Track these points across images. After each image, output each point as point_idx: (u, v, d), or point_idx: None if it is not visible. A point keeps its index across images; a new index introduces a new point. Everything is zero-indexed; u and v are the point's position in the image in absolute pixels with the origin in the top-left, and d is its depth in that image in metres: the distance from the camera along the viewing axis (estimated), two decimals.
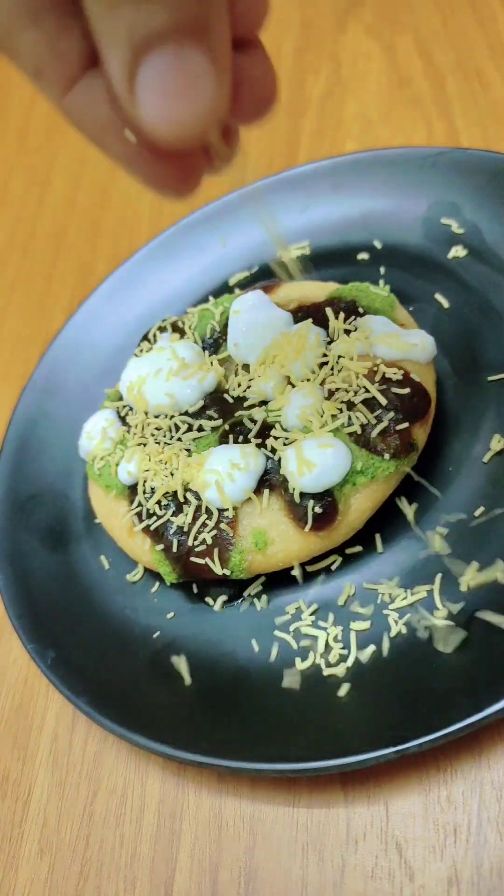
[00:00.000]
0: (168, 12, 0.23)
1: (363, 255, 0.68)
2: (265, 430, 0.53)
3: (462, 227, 0.64)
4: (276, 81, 0.33)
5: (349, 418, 0.51)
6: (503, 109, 0.77)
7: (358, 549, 0.53)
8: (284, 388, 0.55)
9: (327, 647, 0.50)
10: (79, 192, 0.97)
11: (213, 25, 0.25)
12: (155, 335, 0.65)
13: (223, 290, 0.73)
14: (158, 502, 0.55)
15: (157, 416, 0.58)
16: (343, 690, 0.47)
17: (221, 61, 0.26)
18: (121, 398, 0.63)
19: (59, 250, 0.92)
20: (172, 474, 0.54)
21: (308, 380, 0.54)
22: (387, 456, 0.51)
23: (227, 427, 0.55)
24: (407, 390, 0.52)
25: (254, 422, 0.54)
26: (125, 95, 0.25)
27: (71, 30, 0.26)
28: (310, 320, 0.57)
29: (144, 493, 0.56)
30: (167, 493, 0.54)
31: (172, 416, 0.58)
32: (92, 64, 0.27)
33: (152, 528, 0.54)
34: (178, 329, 0.64)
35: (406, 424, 0.52)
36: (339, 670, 0.48)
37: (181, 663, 0.53)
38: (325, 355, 0.55)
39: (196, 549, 0.53)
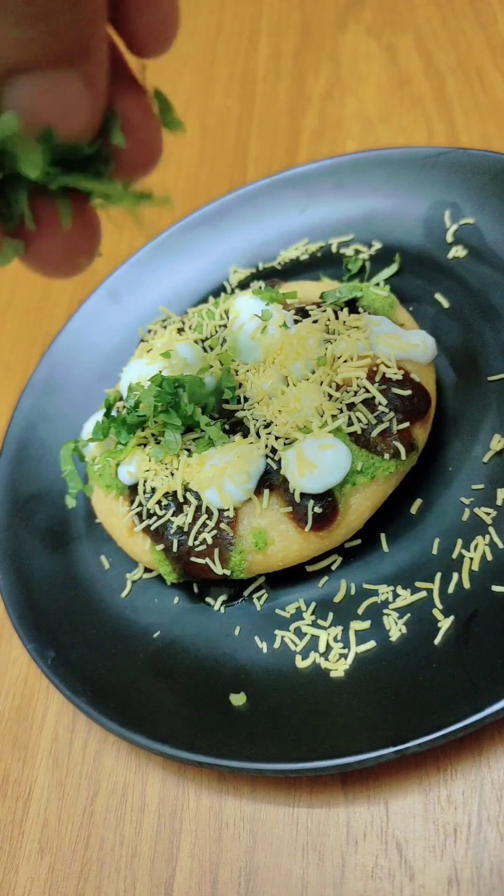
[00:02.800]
0: (43, 38, 0.22)
1: (364, 255, 0.68)
2: (265, 430, 0.53)
3: (462, 228, 0.64)
4: (160, 132, 0.30)
5: (349, 418, 0.51)
6: (503, 109, 0.77)
7: (358, 548, 0.54)
8: (284, 388, 0.55)
9: (327, 646, 0.50)
10: None
11: (91, 50, 0.24)
12: (155, 335, 0.65)
13: (223, 290, 0.73)
14: (158, 502, 0.55)
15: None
16: (343, 690, 0.47)
17: (97, 86, 0.25)
18: (121, 398, 0.63)
19: None
20: (172, 474, 0.54)
21: (307, 379, 0.54)
22: (387, 456, 0.51)
23: (227, 427, 0.55)
24: (407, 391, 0.52)
25: (254, 422, 0.54)
26: None
27: None
28: (310, 320, 0.57)
29: (145, 493, 0.56)
30: (167, 493, 0.54)
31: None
32: None
33: (152, 528, 0.55)
34: (178, 329, 0.64)
35: (406, 424, 0.52)
36: (339, 670, 0.48)
37: (181, 663, 0.53)
38: (324, 355, 0.55)
39: (196, 549, 0.53)
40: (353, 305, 0.59)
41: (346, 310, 0.58)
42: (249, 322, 0.58)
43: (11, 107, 0.23)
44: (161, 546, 0.54)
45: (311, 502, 0.50)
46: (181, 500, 0.54)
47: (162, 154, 0.31)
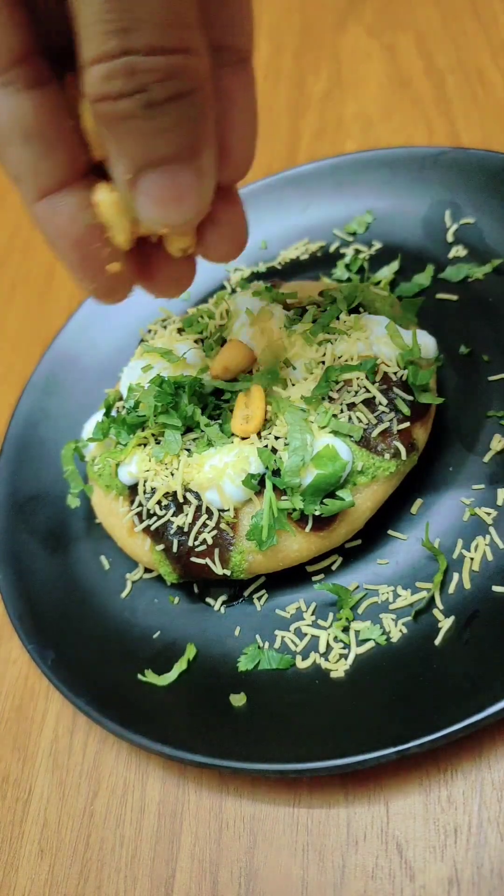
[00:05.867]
0: (166, 144, 0.29)
1: (364, 255, 0.68)
2: (265, 431, 0.53)
3: (462, 227, 0.64)
4: (246, 228, 0.39)
5: (349, 418, 0.51)
6: (503, 109, 0.77)
7: (358, 548, 0.53)
8: (285, 388, 0.55)
9: (328, 646, 0.50)
10: None
11: (202, 152, 0.30)
12: (155, 335, 0.65)
13: (223, 290, 0.73)
14: (158, 502, 0.55)
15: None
16: (343, 690, 0.47)
17: (206, 179, 0.31)
18: (121, 398, 0.63)
19: None
20: (172, 474, 0.54)
21: (306, 379, 0.54)
22: (387, 456, 0.51)
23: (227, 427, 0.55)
24: (408, 392, 0.52)
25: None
26: (126, 195, 0.31)
27: (55, 153, 0.31)
28: (309, 319, 0.57)
29: (144, 493, 0.56)
30: (167, 493, 0.54)
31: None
32: (65, 184, 0.32)
33: (152, 528, 0.54)
34: (178, 329, 0.64)
35: (407, 424, 0.52)
36: (340, 670, 0.48)
37: (181, 663, 0.53)
38: (324, 355, 0.54)
39: (196, 550, 0.53)
40: (353, 305, 0.58)
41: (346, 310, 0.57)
42: (249, 322, 0.58)
43: (141, 196, 0.31)
44: (161, 546, 0.54)
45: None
46: (181, 500, 0.54)
47: (243, 249, 0.40)
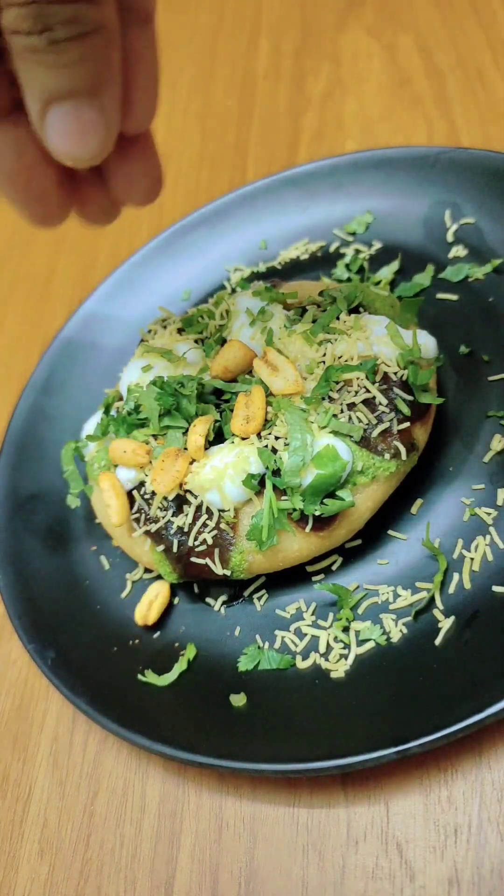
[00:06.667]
0: (72, 78, 0.32)
1: (364, 255, 0.68)
2: (265, 431, 0.53)
3: (462, 227, 0.64)
4: (161, 172, 0.42)
5: (350, 418, 0.51)
6: (503, 109, 0.77)
7: (359, 549, 0.53)
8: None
9: (328, 647, 0.50)
10: None
11: (105, 89, 0.33)
12: (155, 335, 0.65)
13: (223, 290, 0.73)
14: (158, 502, 0.55)
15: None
16: (343, 690, 0.47)
17: (109, 115, 0.34)
18: (121, 398, 0.63)
19: (59, 250, 0.92)
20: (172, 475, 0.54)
21: (306, 379, 0.54)
22: (387, 456, 0.51)
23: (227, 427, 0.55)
24: (408, 392, 0.52)
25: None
26: (38, 128, 0.34)
27: None
28: (309, 319, 0.57)
29: (144, 494, 0.56)
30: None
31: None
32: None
33: (153, 528, 0.54)
34: (178, 329, 0.64)
35: (407, 424, 0.52)
36: (340, 670, 0.48)
37: (182, 663, 0.53)
38: (324, 355, 0.54)
39: (196, 550, 0.53)
40: (353, 305, 0.58)
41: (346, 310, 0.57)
42: (248, 322, 0.58)
43: (49, 128, 0.33)
44: (161, 546, 0.54)
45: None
46: (181, 500, 0.54)
47: (159, 192, 0.42)
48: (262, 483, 0.52)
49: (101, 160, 0.35)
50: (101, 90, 0.33)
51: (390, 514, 0.54)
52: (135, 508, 0.56)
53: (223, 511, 0.52)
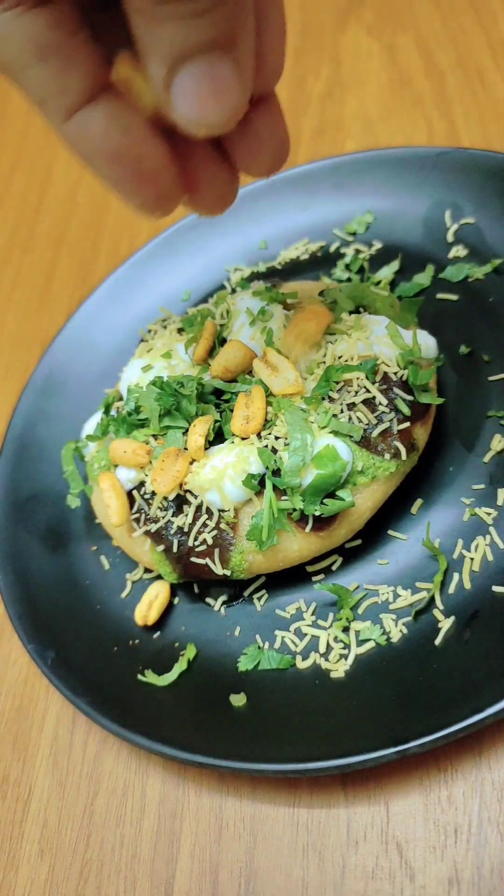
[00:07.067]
0: (204, 30, 0.28)
1: (364, 255, 0.68)
2: (265, 431, 0.53)
3: (462, 227, 0.64)
4: (287, 137, 0.38)
5: (350, 418, 0.51)
6: (503, 109, 0.77)
7: (359, 549, 0.53)
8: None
9: (328, 647, 0.50)
10: (79, 192, 0.97)
11: (240, 42, 0.30)
12: (155, 335, 0.65)
13: (223, 290, 0.73)
14: (158, 501, 0.55)
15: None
16: (343, 690, 0.47)
17: (245, 72, 0.30)
18: (121, 398, 0.63)
19: (59, 250, 0.92)
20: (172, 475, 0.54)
21: (306, 379, 0.54)
22: (387, 456, 0.51)
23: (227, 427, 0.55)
24: (408, 392, 0.52)
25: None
26: (162, 95, 0.30)
27: (75, 68, 0.30)
28: (309, 319, 0.57)
29: (144, 494, 0.56)
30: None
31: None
32: (91, 98, 0.31)
33: (153, 528, 0.54)
34: (178, 329, 0.64)
35: (407, 424, 0.52)
36: (340, 670, 0.48)
37: (182, 663, 0.53)
38: (324, 355, 0.54)
39: (196, 550, 0.53)
40: (353, 305, 0.58)
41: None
42: (248, 321, 0.58)
43: (179, 92, 0.29)
44: (161, 546, 0.54)
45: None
46: (181, 500, 0.54)
47: (285, 161, 0.39)
48: (262, 483, 0.52)
49: (234, 125, 0.32)
50: (237, 41, 0.29)
51: (390, 514, 0.54)
52: (135, 508, 0.56)
53: (223, 511, 0.52)
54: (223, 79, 0.29)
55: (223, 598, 0.55)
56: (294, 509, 0.50)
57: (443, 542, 0.51)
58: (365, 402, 0.52)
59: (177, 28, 0.28)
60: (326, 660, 0.49)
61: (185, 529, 0.53)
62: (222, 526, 0.52)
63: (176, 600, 0.57)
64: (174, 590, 0.58)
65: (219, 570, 0.52)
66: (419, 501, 0.54)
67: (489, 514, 0.50)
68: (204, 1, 0.28)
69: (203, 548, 0.52)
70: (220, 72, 0.29)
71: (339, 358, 0.54)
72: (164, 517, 0.54)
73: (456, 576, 0.49)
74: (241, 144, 0.37)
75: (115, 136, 0.32)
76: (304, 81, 0.91)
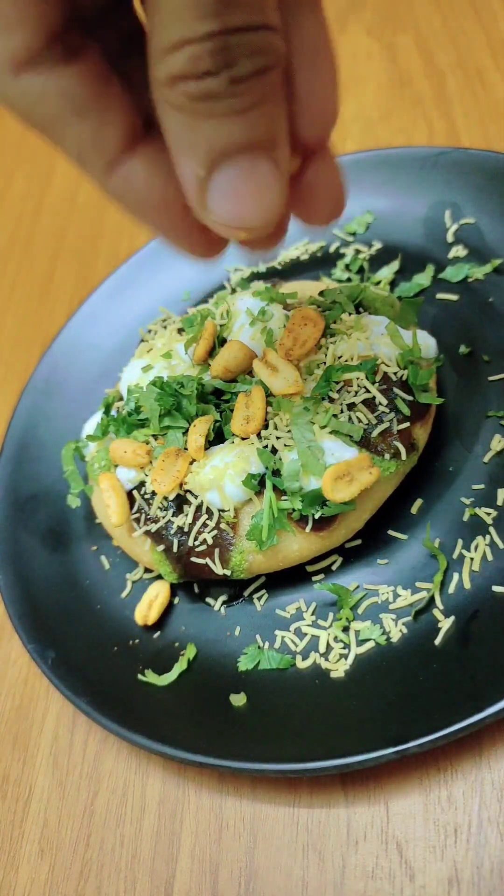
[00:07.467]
0: (247, 128, 0.27)
1: (364, 255, 0.68)
2: (265, 431, 0.53)
3: (462, 227, 0.64)
4: (343, 187, 0.36)
5: (350, 419, 0.51)
6: (503, 109, 0.77)
7: (359, 549, 0.53)
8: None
9: (328, 646, 0.50)
10: (79, 192, 0.97)
11: (279, 140, 0.29)
12: (155, 335, 0.65)
13: (223, 290, 0.73)
14: (158, 501, 0.55)
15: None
16: (343, 690, 0.47)
17: (284, 170, 0.29)
18: (121, 398, 0.63)
19: (59, 250, 0.92)
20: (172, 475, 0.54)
21: (305, 380, 0.54)
22: (387, 456, 0.51)
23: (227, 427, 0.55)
24: (408, 392, 0.52)
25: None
26: (195, 196, 0.29)
27: (113, 119, 0.30)
28: (310, 319, 0.57)
29: (144, 494, 0.56)
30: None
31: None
32: (130, 148, 0.31)
33: (153, 528, 0.54)
34: (178, 329, 0.64)
35: (407, 424, 0.52)
36: (340, 670, 0.48)
37: (182, 663, 0.53)
38: (324, 355, 0.54)
39: (196, 550, 0.53)
40: (353, 305, 0.58)
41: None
42: (249, 322, 0.58)
43: (217, 193, 0.29)
44: (161, 546, 0.54)
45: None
46: (181, 500, 0.54)
47: (343, 210, 0.37)
48: (262, 483, 0.52)
49: (273, 228, 0.31)
50: (276, 140, 0.28)
51: (390, 514, 0.54)
52: (135, 508, 0.56)
53: (223, 511, 0.52)
54: (264, 179, 0.29)
55: (223, 598, 0.55)
56: (294, 509, 0.50)
57: (443, 542, 0.51)
58: (365, 402, 0.52)
59: (219, 125, 0.27)
60: (326, 660, 0.49)
61: (185, 529, 0.53)
62: (222, 526, 0.52)
63: (176, 600, 0.57)
64: (174, 590, 0.58)
65: (219, 570, 0.52)
66: (419, 501, 0.54)
67: (489, 514, 0.50)
68: (247, 98, 0.27)
69: (203, 548, 0.52)
70: (261, 172, 0.28)
71: (339, 358, 0.54)
72: (164, 517, 0.54)
73: (456, 576, 0.49)
74: (295, 196, 0.36)
75: (159, 184, 0.31)
76: None
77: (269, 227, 0.30)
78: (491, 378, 0.56)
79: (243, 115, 0.27)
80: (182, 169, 0.29)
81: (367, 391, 0.52)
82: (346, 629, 0.50)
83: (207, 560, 0.52)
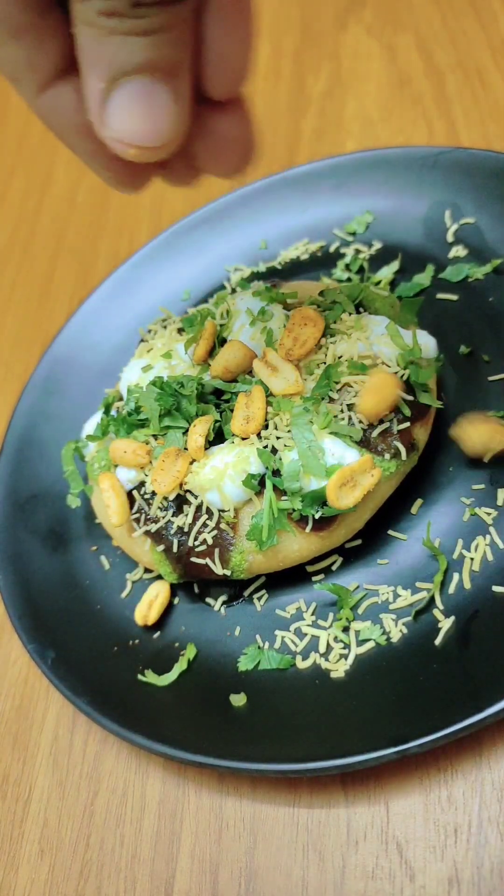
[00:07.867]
0: (148, 50, 0.29)
1: (364, 255, 0.68)
2: (266, 430, 0.53)
3: (462, 227, 0.64)
4: (253, 140, 0.37)
5: (349, 419, 0.51)
6: (503, 109, 0.77)
7: (359, 549, 0.53)
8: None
9: (328, 647, 0.50)
10: (79, 192, 0.97)
11: (181, 74, 0.30)
12: (155, 335, 0.65)
13: (223, 290, 0.73)
14: (158, 501, 0.55)
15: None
16: (343, 690, 0.47)
17: (183, 105, 0.31)
18: (121, 398, 0.63)
19: (59, 250, 0.92)
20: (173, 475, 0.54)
21: (306, 380, 0.54)
22: (387, 456, 0.51)
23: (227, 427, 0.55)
24: (408, 391, 0.52)
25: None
26: (96, 110, 0.31)
27: (47, 46, 0.32)
28: (310, 319, 0.57)
29: (144, 494, 0.56)
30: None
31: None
32: (62, 75, 0.32)
33: (153, 528, 0.54)
34: (178, 329, 0.64)
35: (407, 424, 0.52)
36: (340, 670, 0.48)
37: (182, 663, 0.53)
38: (325, 355, 0.54)
39: (196, 550, 0.53)
40: (353, 305, 0.58)
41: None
42: (249, 321, 0.58)
43: (116, 107, 0.30)
44: (161, 546, 0.54)
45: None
46: (181, 500, 0.54)
47: (249, 163, 0.38)
48: (262, 483, 0.52)
49: (167, 156, 0.32)
50: (178, 72, 0.30)
51: (390, 514, 0.54)
52: (135, 508, 0.56)
53: (223, 511, 0.52)
54: (159, 100, 0.30)
55: (223, 598, 0.55)
56: (294, 509, 0.50)
57: (443, 542, 0.51)
58: None
59: (121, 43, 0.29)
60: (326, 660, 0.49)
61: (185, 529, 0.53)
62: (222, 526, 0.52)
63: (176, 600, 0.57)
64: (174, 590, 0.58)
65: (219, 570, 0.52)
66: (419, 501, 0.54)
67: (489, 514, 0.50)
68: (153, 20, 0.28)
69: (203, 548, 0.52)
70: (157, 93, 0.30)
71: (339, 358, 0.54)
72: (164, 517, 0.54)
73: (456, 576, 0.49)
74: (202, 145, 0.36)
75: (79, 117, 0.33)
76: (304, 81, 0.91)
77: (162, 151, 0.31)
78: (491, 378, 0.56)
79: (146, 36, 0.28)
80: (86, 81, 0.30)
81: None
82: (346, 629, 0.50)
83: (207, 560, 0.52)
